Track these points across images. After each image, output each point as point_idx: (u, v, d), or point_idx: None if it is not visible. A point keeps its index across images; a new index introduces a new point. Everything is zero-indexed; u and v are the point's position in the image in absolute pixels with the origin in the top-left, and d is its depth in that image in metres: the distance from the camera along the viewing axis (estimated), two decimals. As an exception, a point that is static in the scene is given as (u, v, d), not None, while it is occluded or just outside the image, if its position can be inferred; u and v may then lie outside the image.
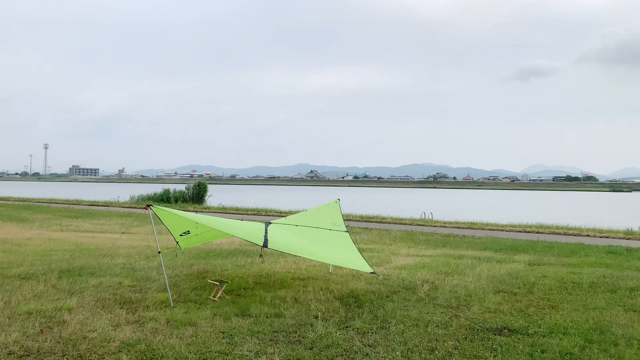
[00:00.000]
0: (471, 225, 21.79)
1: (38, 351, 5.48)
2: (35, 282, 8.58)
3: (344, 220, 9.91)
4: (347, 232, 9.50)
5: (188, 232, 9.09)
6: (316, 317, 6.63)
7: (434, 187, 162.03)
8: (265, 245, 7.60)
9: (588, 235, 18.05)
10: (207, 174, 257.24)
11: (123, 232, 17.41)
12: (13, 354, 5.44)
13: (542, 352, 5.60)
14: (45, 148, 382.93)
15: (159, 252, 7.65)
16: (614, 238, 17.37)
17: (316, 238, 9.00)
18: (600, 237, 17.76)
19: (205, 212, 28.49)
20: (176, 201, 40.38)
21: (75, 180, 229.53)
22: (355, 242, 9.27)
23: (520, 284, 8.91)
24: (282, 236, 8.50)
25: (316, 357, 5.48)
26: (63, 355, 5.38)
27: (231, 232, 8.34)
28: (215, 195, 43.58)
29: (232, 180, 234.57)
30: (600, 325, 6.47)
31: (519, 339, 6.00)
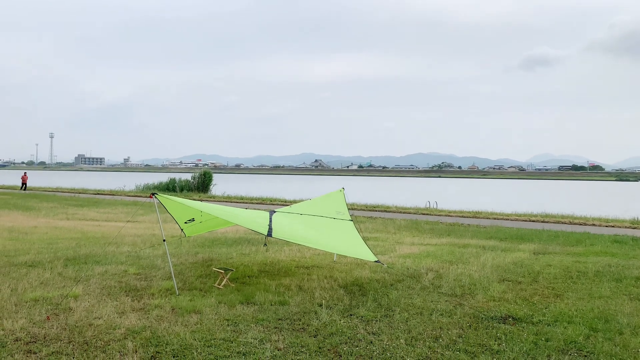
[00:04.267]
0: (476, 215, 21.74)
1: (44, 338, 5.53)
2: (42, 269, 8.64)
3: (349, 209, 9.89)
4: (352, 221, 9.48)
5: (193, 220, 9.11)
6: (320, 305, 6.64)
7: (439, 177, 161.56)
8: (269, 234, 7.59)
9: (594, 225, 17.97)
10: (212, 163, 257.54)
11: (128, 221, 17.49)
12: (20, 340, 5.49)
13: (547, 340, 5.60)
14: (51, 137, 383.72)
15: (164, 241, 7.67)
16: (620, 227, 17.28)
17: (320, 227, 8.98)
18: (606, 226, 17.68)
19: (210, 201, 28.56)
20: (182, 190, 40.63)
21: (81, 169, 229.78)
22: (359, 231, 9.26)
23: (525, 273, 8.89)
24: (286, 225, 8.49)
25: (320, 344, 5.49)
26: (69, 342, 5.43)
27: (236, 221, 8.34)
28: (220, 185, 43.75)
29: (237, 169, 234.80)
30: (605, 314, 6.45)
31: (523, 327, 5.99)
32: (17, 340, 5.47)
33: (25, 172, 43.36)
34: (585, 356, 5.22)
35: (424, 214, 22.26)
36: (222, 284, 7.71)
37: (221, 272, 7.91)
